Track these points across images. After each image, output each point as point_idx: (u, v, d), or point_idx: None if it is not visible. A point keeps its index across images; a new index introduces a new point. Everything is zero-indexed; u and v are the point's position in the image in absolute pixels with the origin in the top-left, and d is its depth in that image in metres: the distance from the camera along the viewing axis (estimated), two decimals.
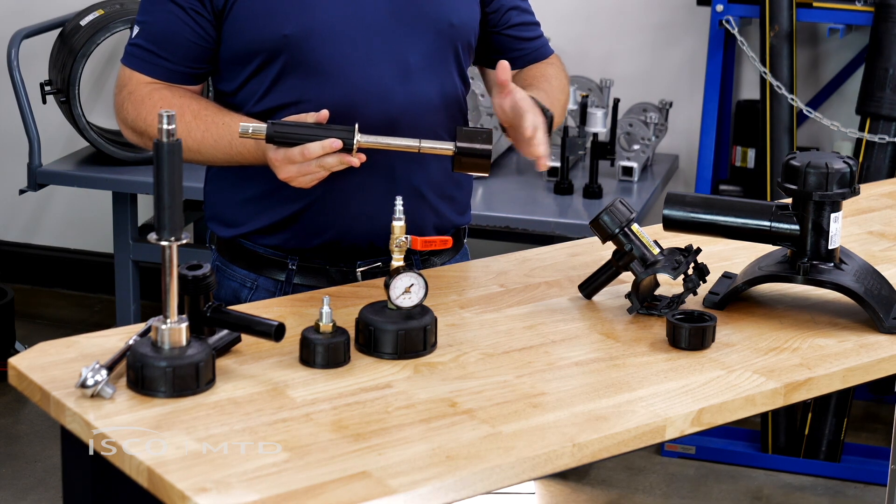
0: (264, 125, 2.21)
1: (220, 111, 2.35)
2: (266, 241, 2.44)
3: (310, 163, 2.20)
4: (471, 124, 2.52)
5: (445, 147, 2.26)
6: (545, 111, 2.29)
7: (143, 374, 1.91)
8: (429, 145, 2.26)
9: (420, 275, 2.09)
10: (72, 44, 4.25)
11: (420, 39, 2.38)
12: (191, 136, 2.33)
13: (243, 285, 2.46)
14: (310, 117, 2.23)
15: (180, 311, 1.94)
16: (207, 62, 2.38)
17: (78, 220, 5.15)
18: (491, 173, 3.32)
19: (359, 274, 2.42)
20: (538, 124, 2.24)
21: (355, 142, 2.21)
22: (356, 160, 2.21)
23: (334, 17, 2.32)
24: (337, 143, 2.19)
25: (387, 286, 2.08)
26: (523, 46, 2.55)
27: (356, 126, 2.22)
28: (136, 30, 2.39)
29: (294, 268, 2.43)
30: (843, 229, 2.35)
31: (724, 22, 4.11)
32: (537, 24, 2.59)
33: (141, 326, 2.05)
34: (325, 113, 2.23)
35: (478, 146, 2.26)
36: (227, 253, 2.49)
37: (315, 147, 2.19)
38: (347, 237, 2.41)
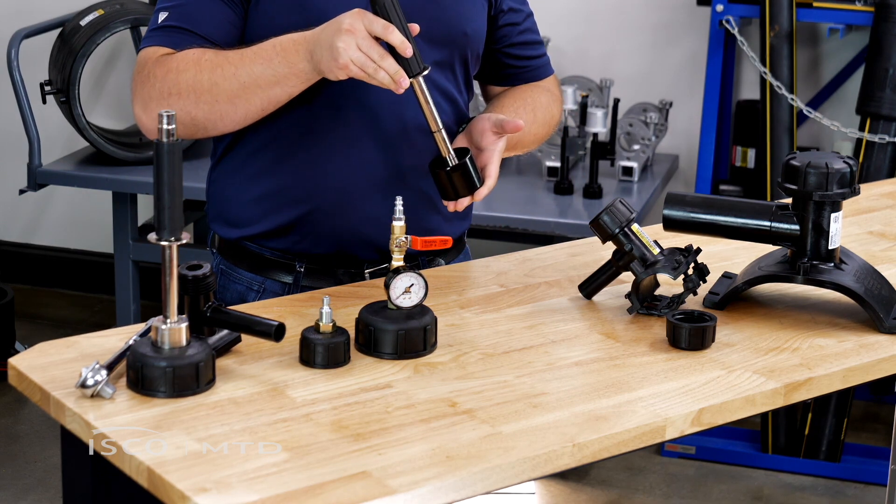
0: None
1: None
2: (272, 244, 2.43)
3: (377, 47, 2.15)
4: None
5: (451, 152, 2.28)
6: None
7: (143, 374, 1.91)
8: (441, 138, 2.27)
9: (420, 275, 2.09)
10: (72, 44, 4.25)
11: (434, 46, 2.37)
12: (228, 60, 2.25)
13: (250, 288, 2.45)
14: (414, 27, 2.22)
15: (180, 311, 1.94)
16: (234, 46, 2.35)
17: (78, 220, 5.15)
18: None
19: (367, 275, 2.42)
20: (482, 192, 2.31)
21: (417, 73, 2.19)
22: (404, 85, 2.17)
23: None
24: (409, 51, 2.16)
25: (387, 286, 2.08)
26: (523, 65, 2.55)
27: (429, 69, 2.21)
28: (162, 15, 2.32)
29: (302, 270, 2.43)
30: (843, 229, 2.35)
31: (724, 22, 4.11)
32: (540, 43, 2.59)
33: (141, 326, 2.05)
34: (416, 27, 2.22)
35: (475, 178, 2.29)
36: (231, 255, 2.47)
37: (397, 35, 2.15)
38: (355, 240, 2.40)
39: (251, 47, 2.26)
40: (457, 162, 2.29)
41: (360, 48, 2.14)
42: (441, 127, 2.27)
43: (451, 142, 2.36)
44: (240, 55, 2.26)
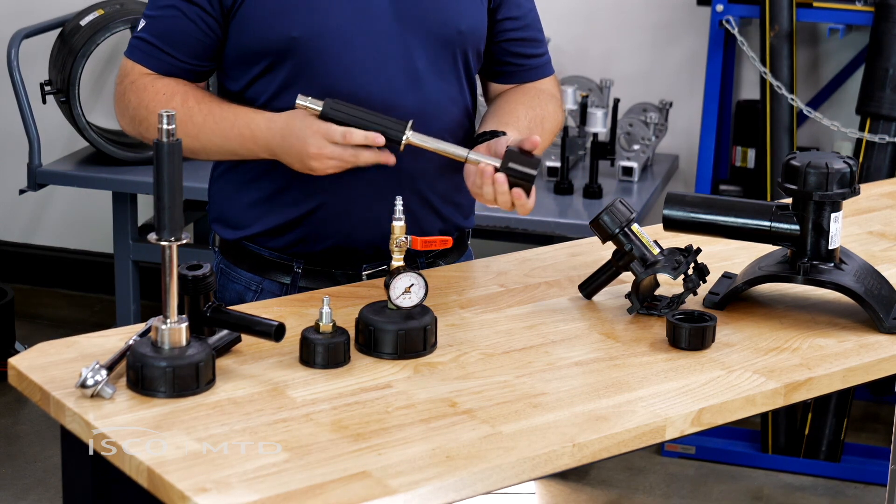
0: (321, 101, 2.19)
1: (224, 101, 2.34)
2: (271, 244, 2.43)
3: (346, 148, 2.19)
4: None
5: (492, 161, 2.23)
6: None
7: (143, 374, 1.91)
8: (476, 157, 2.24)
9: (420, 275, 2.09)
10: (72, 44, 4.25)
11: (427, 45, 2.36)
12: (192, 120, 2.30)
13: (248, 288, 2.45)
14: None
15: (180, 311, 1.94)
16: (212, 59, 2.36)
17: (78, 220, 5.15)
18: None
19: (364, 276, 2.42)
20: (528, 205, 2.24)
21: (405, 138, 2.20)
22: (391, 162, 2.21)
23: (342, 20, 2.31)
24: (380, 140, 2.18)
25: (387, 286, 2.08)
26: (523, 63, 2.52)
27: (410, 122, 2.21)
28: (142, 23, 2.37)
29: (300, 271, 2.43)
30: (843, 229, 2.35)
31: (724, 22, 4.11)
32: (542, 41, 2.56)
33: (141, 326, 2.06)
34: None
35: (526, 170, 2.22)
36: (232, 255, 2.48)
37: (358, 135, 2.18)
38: (353, 241, 2.40)
39: (214, 112, 2.31)
40: (500, 163, 2.22)
41: (332, 158, 2.20)
42: (466, 152, 2.24)
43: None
44: (203, 117, 2.31)
